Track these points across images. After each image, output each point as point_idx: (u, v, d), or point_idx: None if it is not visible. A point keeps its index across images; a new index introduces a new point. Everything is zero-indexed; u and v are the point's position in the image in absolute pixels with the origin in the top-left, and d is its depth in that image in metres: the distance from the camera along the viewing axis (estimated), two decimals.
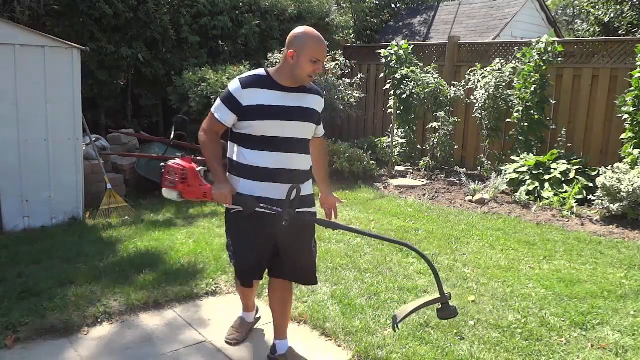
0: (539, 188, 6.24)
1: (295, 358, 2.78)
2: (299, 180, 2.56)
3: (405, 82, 7.89)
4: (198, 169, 2.67)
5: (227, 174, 2.64)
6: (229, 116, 2.52)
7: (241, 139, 2.56)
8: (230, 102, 2.50)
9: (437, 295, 2.33)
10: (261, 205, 2.45)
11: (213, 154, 2.59)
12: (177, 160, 2.67)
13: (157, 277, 3.72)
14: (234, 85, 2.51)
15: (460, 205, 6.23)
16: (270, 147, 2.51)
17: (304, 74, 2.48)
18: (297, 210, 2.50)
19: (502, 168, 6.89)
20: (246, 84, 2.49)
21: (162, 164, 2.68)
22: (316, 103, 2.64)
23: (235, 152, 2.59)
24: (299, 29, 2.52)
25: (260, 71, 2.58)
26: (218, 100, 2.58)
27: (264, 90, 2.50)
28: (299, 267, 2.68)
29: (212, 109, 2.59)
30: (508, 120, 7.15)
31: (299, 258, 2.66)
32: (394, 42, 8.43)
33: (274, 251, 2.63)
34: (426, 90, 7.59)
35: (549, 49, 6.67)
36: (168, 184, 2.63)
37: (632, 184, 5.24)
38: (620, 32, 14.53)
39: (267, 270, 2.75)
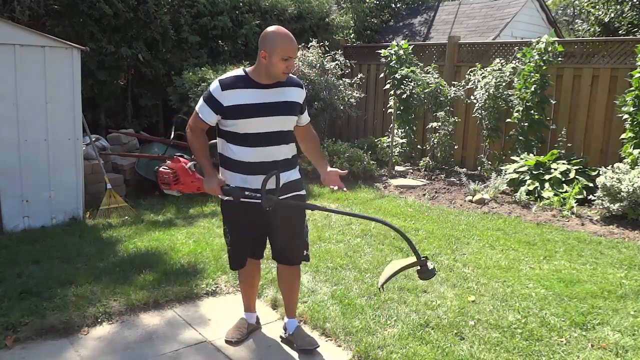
0: (539, 188, 6.24)
1: (301, 337, 2.93)
2: (285, 168, 2.71)
3: (405, 82, 7.88)
4: (188, 165, 2.77)
5: (220, 167, 2.79)
6: (211, 116, 2.67)
7: (228, 136, 2.71)
8: (212, 102, 2.64)
9: (414, 259, 2.49)
10: (246, 193, 2.61)
11: (200, 150, 2.75)
12: (168, 162, 2.76)
13: (157, 277, 3.72)
14: (213, 86, 2.65)
15: (460, 205, 6.23)
16: (255, 142, 2.66)
17: (278, 71, 2.60)
18: (285, 195, 2.70)
19: (502, 168, 6.89)
20: (225, 85, 2.63)
21: (156, 168, 2.76)
22: (296, 95, 2.76)
23: (223, 147, 2.76)
24: (269, 29, 2.63)
25: (239, 71, 2.70)
26: (201, 100, 2.71)
27: (243, 90, 2.63)
28: (292, 249, 2.88)
29: (196, 108, 2.74)
30: (508, 120, 7.15)
31: (291, 241, 2.85)
32: (394, 42, 8.42)
33: (268, 236, 2.86)
34: (426, 90, 7.59)
35: (549, 49, 6.67)
36: (164, 187, 2.77)
37: (632, 184, 5.24)
38: (620, 32, 14.53)
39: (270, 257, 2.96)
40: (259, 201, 2.52)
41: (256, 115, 2.63)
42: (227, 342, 2.99)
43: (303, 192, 2.86)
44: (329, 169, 2.89)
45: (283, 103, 2.69)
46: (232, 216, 2.83)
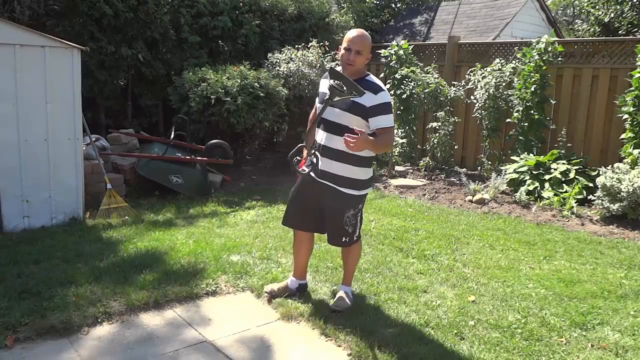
0: (539, 188, 6.24)
1: (336, 299, 3.32)
2: (335, 157, 3.12)
3: (405, 82, 7.89)
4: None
5: None
6: (318, 98, 3.30)
7: None
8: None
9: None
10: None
11: (309, 122, 3.43)
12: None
13: (157, 277, 3.72)
14: None
15: (460, 205, 6.23)
16: (320, 124, 3.20)
17: (342, 61, 3.11)
18: (321, 180, 3.16)
19: (502, 168, 6.89)
20: (324, 75, 3.24)
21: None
22: (364, 98, 3.01)
23: None
24: None
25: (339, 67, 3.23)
26: None
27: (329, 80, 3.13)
28: (328, 229, 3.30)
29: None
30: (508, 120, 7.15)
31: (329, 222, 3.27)
32: (394, 42, 8.43)
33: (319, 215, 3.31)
34: (426, 90, 7.59)
35: (549, 49, 6.68)
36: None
37: (632, 184, 5.25)
38: (620, 32, 14.53)
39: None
40: (313, 175, 3.18)
41: (322, 103, 3.13)
42: (265, 291, 3.48)
43: (344, 190, 3.15)
44: (366, 133, 2.96)
45: (349, 101, 3.04)
46: (297, 181, 3.38)
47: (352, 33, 3.09)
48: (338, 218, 3.20)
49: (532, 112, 6.79)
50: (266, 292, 3.48)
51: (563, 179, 6.19)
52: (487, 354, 2.87)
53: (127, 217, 5.15)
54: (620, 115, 6.07)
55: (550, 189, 6.15)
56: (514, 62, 7.16)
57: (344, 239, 3.26)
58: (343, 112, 3.09)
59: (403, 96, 7.86)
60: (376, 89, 3.05)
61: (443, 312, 3.34)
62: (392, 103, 7.86)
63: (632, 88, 5.89)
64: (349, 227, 3.22)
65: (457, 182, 7.24)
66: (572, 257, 4.45)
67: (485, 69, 7.26)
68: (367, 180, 3.26)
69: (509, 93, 7.08)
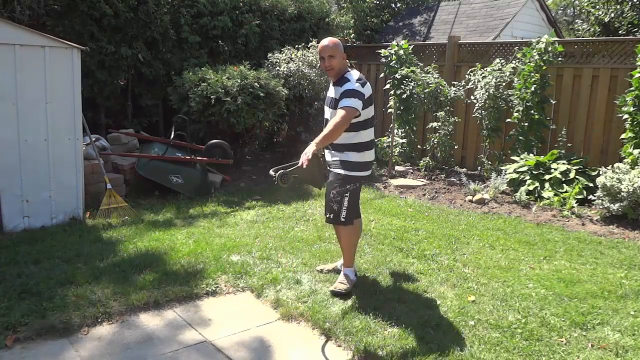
0: (539, 188, 6.24)
1: (339, 284, 3.57)
2: (335, 149, 3.58)
3: (405, 82, 7.88)
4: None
5: None
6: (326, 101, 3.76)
7: None
8: None
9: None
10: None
11: None
12: None
13: (157, 277, 3.72)
14: None
15: (460, 205, 6.23)
16: (325, 125, 3.56)
17: (324, 70, 3.56)
18: (328, 168, 3.68)
19: (502, 168, 6.89)
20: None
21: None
22: (337, 92, 3.49)
23: None
24: None
25: None
26: None
27: (331, 83, 3.64)
28: (324, 207, 3.74)
29: None
30: (508, 120, 7.15)
31: (325, 198, 3.68)
32: (394, 42, 8.42)
33: None
34: (426, 90, 7.59)
35: (549, 48, 6.67)
36: None
37: (633, 184, 5.25)
38: (620, 32, 14.54)
39: None
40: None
41: (324, 104, 3.70)
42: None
43: (339, 171, 3.54)
44: (310, 146, 3.21)
45: (331, 99, 3.56)
46: None
47: (322, 43, 3.50)
48: (328, 194, 3.61)
49: (532, 112, 6.79)
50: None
51: (563, 179, 6.19)
52: (487, 354, 2.87)
53: (127, 217, 5.15)
54: (620, 115, 6.06)
55: (550, 189, 6.15)
56: (514, 62, 7.16)
57: (328, 215, 3.64)
58: (331, 110, 3.53)
59: (403, 96, 7.86)
60: (342, 83, 3.46)
61: (443, 312, 3.34)
62: (392, 103, 7.95)
63: (632, 88, 5.89)
64: (334, 204, 3.56)
65: (457, 182, 7.24)
66: (572, 257, 4.45)
67: (485, 69, 7.26)
68: (357, 163, 3.54)
69: (509, 93, 7.07)
